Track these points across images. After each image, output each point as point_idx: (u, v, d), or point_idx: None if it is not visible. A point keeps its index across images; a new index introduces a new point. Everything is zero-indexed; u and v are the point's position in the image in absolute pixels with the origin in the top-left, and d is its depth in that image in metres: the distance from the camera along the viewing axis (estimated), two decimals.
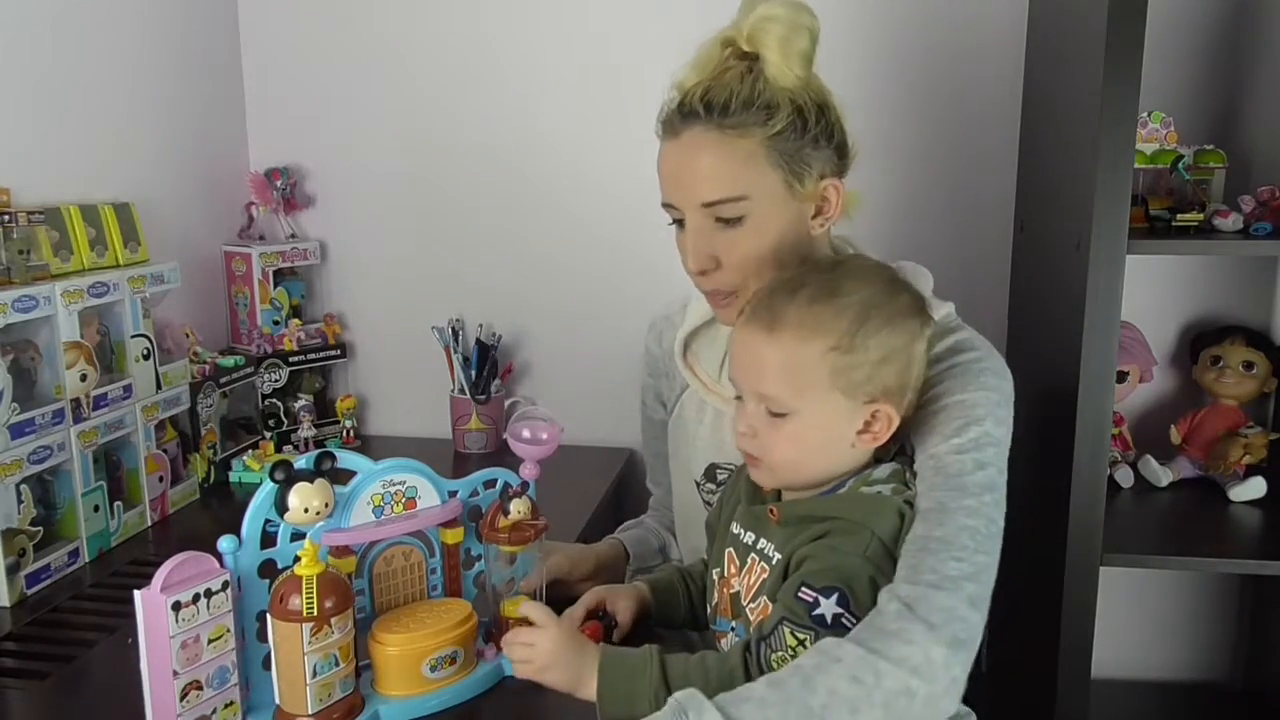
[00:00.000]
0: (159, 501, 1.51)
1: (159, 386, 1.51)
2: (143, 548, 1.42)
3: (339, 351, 1.91)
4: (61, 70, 1.49)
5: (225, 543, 0.87)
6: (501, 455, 1.62)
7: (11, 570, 1.22)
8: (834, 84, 1.03)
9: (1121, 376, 1.64)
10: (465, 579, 1.07)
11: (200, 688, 0.85)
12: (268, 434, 1.79)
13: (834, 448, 0.92)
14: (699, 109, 0.97)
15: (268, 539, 0.91)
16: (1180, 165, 1.47)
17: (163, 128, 1.72)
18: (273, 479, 0.89)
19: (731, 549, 0.99)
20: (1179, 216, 1.42)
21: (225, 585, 0.86)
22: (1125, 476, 1.64)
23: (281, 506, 0.90)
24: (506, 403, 1.81)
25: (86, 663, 1.09)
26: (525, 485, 1.03)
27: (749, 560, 0.95)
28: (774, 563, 0.92)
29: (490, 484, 1.06)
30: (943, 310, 1.02)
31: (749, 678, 0.87)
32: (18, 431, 1.24)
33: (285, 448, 1.80)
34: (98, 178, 1.55)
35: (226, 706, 0.87)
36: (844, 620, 0.85)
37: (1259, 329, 1.69)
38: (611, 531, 1.30)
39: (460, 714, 0.94)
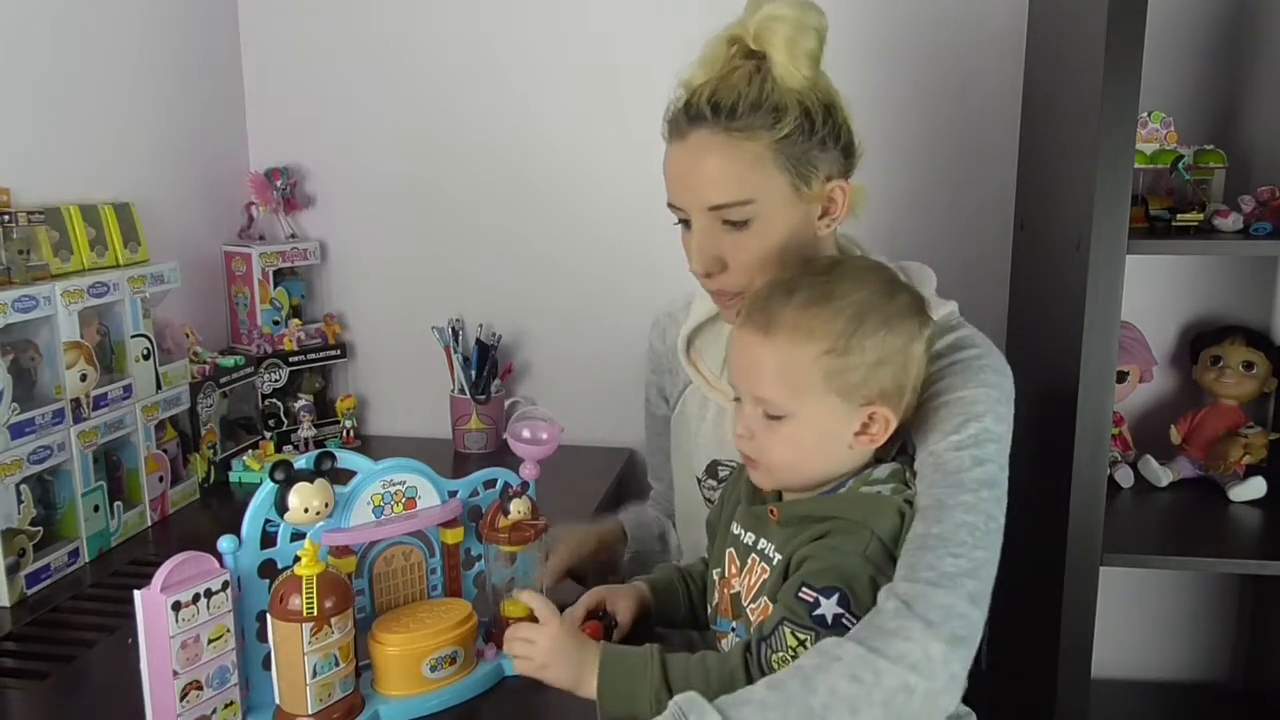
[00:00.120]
0: (159, 501, 1.51)
1: (159, 386, 1.51)
2: (143, 548, 1.42)
3: (339, 351, 1.91)
4: (61, 70, 1.49)
5: (225, 543, 0.87)
6: (501, 455, 1.62)
7: (11, 570, 1.22)
8: (834, 83, 1.02)
9: (1121, 376, 1.64)
10: (465, 579, 1.07)
11: (200, 688, 0.85)
12: (268, 434, 1.79)
13: (831, 450, 0.92)
14: (705, 111, 0.96)
15: (268, 539, 0.91)
16: (1180, 165, 1.47)
17: (163, 128, 1.72)
18: (273, 479, 0.89)
19: (732, 549, 0.99)
20: (1179, 216, 1.42)
21: (225, 585, 0.86)
22: (1125, 476, 1.64)
23: (281, 506, 0.90)
24: (506, 403, 1.81)
25: (86, 663, 1.09)
26: (525, 485, 1.03)
27: (749, 561, 0.95)
28: (774, 563, 0.92)
29: (490, 484, 1.06)
30: (945, 309, 1.02)
31: (749, 678, 0.87)
32: (18, 431, 1.24)
33: (285, 448, 1.80)
34: (98, 178, 1.55)
35: (226, 706, 0.87)
36: (844, 620, 0.85)
37: (1259, 329, 1.69)
38: (621, 567, 1.29)
39: (460, 714, 0.94)
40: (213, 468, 1.65)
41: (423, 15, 1.84)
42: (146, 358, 1.48)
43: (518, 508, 1.00)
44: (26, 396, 1.30)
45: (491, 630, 1.03)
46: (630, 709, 0.87)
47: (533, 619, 0.97)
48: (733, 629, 0.97)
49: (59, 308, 1.31)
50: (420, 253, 1.92)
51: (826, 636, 0.83)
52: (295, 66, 1.90)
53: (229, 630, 0.87)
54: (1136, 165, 1.33)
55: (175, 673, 0.83)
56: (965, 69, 1.73)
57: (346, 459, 0.96)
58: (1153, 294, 1.72)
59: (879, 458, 0.94)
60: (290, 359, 1.83)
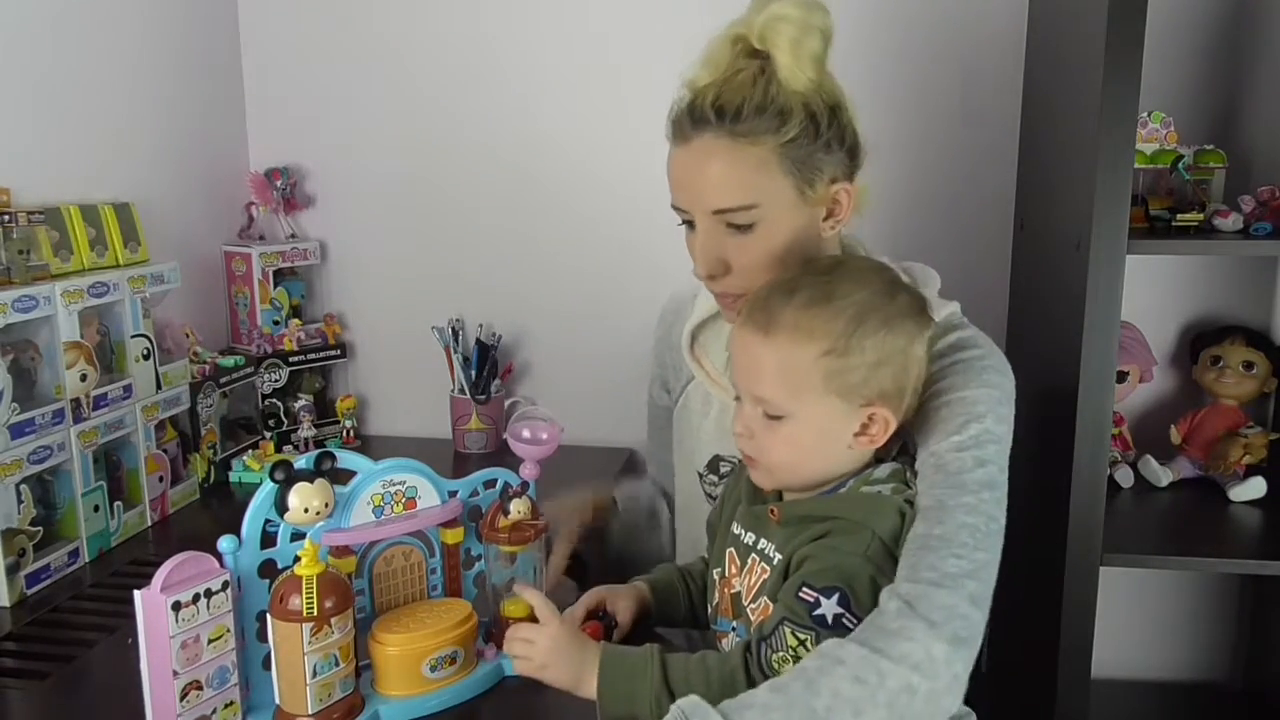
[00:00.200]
0: (159, 501, 1.51)
1: (159, 386, 1.51)
2: (143, 548, 1.42)
3: (339, 351, 1.91)
4: (61, 70, 1.49)
5: (225, 543, 0.87)
6: (501, 455, 1.62)
7: (11, 570, 1.22)
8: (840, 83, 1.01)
9: (1121, 376, 1.64)
10: (465, 579, 1.07)
11: (200, 688, 0.85)
12: (268, 434, 1.79)
13: (831, 450, 0.91)
14: (710, 114, 0.95)
15: (268, 539, 0.91)
16: (1180, 165, 1.47)
17: (163, 128, 1.72)
18: (273, 479, 0.89)
19: (732, 549, 0.99)
20: (1179, 216, 1.42)
21: (225, 585, 0.86)
22: (1125, 476, 1.64)
23: (281, 506, 0.90)
24: (506, 403, 1.81)
25: (86, 663, 1.09)
26: (525, 485, 1.03)
27: (749, 560, 0.95)
28: (774, 563, 0.92)
29: (490, 484, 1.06)
30: (947, 310, 1.02)
31: (750, 678, 0.87)
32: (18, 431, 1.24)
33: (285, 448, 1.80)
34: (98, 178, 1.55)
35: (226, 706, 0.87)
36: (845, 620, 0.85)
37: (1259, 329, 1.69)
38: (609, 535, 1.30)
39: (460, 714, 0.94)
40: (213, 468, 1.65)
41: (423, 15, 1.84)
42: (146, 358, 1.48)
43: (518, 508, 1.00)
44: (26, 396, 1.30)
45: (491, 630, 1.03)
46: (630, 709, 0.87)
47: (533, 619, 0.97)
48: (733, 629, 0.97)
49: (59, 308, 1.31)
50: (420, 253, 1.92)
51: (827, 636, 0.83)
52: (295, 66, 1.90)
53: (229, 630, 0.87)
54: (1136, 165, 1.33)
55: (175, 673, 0.83)
56: (965, 69, 1.73)
57: (346, 459, 0.96)
58: (1153, 294, 1.72)
59: (879, 457, 0.94)
60: (290, 359, 1.83)
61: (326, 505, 0.91)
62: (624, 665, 0.90)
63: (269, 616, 0.87)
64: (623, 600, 1.04)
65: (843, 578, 0.86)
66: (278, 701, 0.89)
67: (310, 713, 0.87)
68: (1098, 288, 1.31)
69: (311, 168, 1.93)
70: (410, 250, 1.93)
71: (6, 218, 1.28)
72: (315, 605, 0.85)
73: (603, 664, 0.90)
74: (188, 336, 1.66)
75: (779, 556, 0.92)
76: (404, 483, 0.99)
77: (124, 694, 0.87)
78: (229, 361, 1.73)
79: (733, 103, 0.95)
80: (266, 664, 0.90)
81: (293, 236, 1.90)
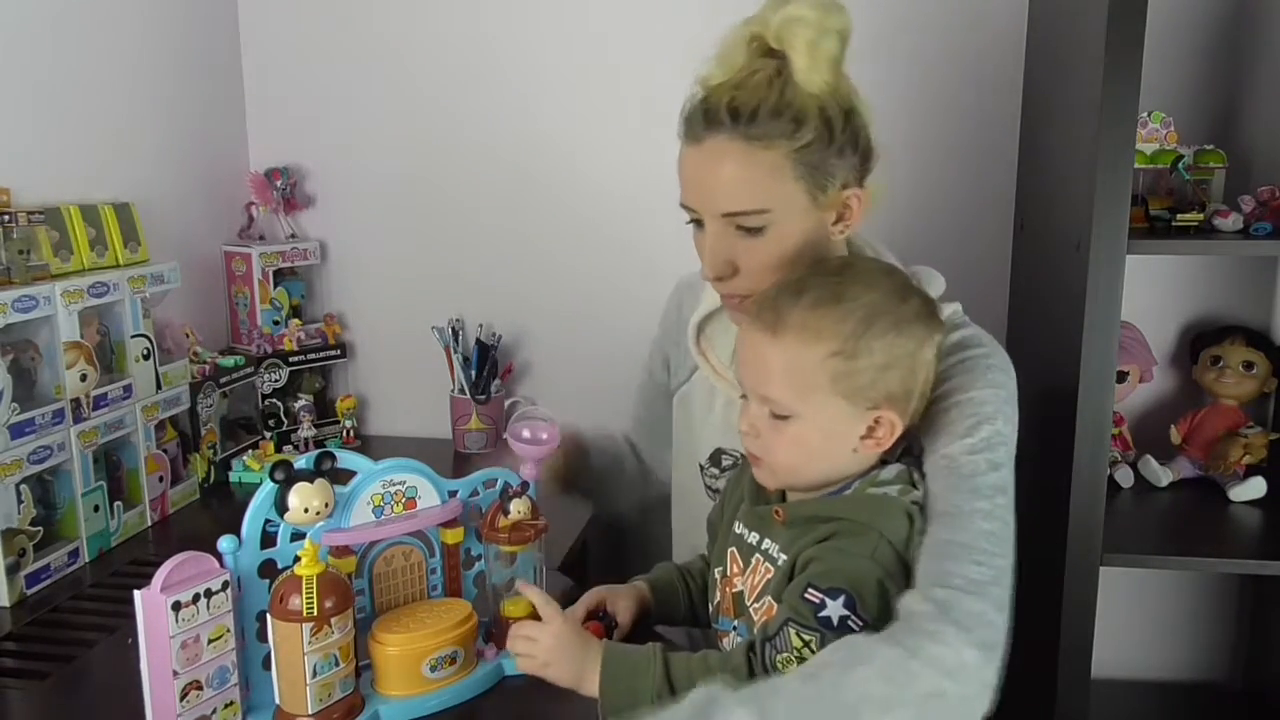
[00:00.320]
0: (159, 501, 1.51)
1: (159, 386, 1.51)
2: (143, 548, 1.42)
3: (339, 351, 1.91)
4: (61, 70, 1.49)
5: (225, 543, 0.87)
6: (501, 455, 1.62)
7: (11, 570, 1.22)
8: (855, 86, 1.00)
9: (1121, 376, 1.64)
10: (465, 579, 1.07)
11: (200, 688, 0.85)
12: (268, 434, 1.79)
13: (836, 452, 0.91)
14: (724, 116, 0.94)
15: (268, 539, 0.91)
16: (1180, 165, 1.47)
17: (163, 128, 1.72)
18: (273, 479, 0.89)
19: (734, 548, 0.99)
20: (1179, 216, 1.42)
21: (225, 585, 0.86)
22: (1125, 476, 1.64)
23: (281, 506, 0.90)
24: (506, 403, 1.81)
25: (86, 663, 1.09)
26: (525, 485, 1.03)
27: (753, 560, 0.95)
28: (779, 563, 0.92)
29: (490, 484, 1.06)
30: (948, 310, 1.02)
31: (752, 678, 0.86)
32: (18, 431, 1.24)
33: (285, 448, 1.80)
34: (98, 178, 1.55)
35: (226, 706, 0.87)
36: (850, 623, 0.85)
37: (1259, 329, 1.69)
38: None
39: (460, 714, 0.94)
40: (213, 468, 1.65)
41: (423, 15, 1.84)
42: (146, 358, 1.48)
43: (518, 508, 1.00)
44: (26, 396, 1.30)
45: (491, 630, 1.03)
46: (632, 707, 0.87)
47: (533, 618, 0.97)
48: (734, 628, 0.97)
49: (59, 308, 1.31)
50: (420, 253, 1.92)
51: (832, 638, 0.83)
52: (295, 66, 1.90)
53: (229, 630, 0.87)
54: (1136, 165, 1.33)
55: (175, 673, 0.83)
56: (965, 69, 1.73)
57: (346, 459, 0.96)
58: (1153, 294, 1.72)
59: (884, 459, 0.94)
60: (290, 359, 1.83)
61: (326, 505, 0.91)
62: (626, 663, 0.90)
63: (269, 616, 0.87)
64: (623, 600, 1.04)
65: (849, 580, 0.86)
66: (278, 701, 0.89)
67: (310, 713, 0.87)
68: (1098, 288, 1.31)
69: (311, 168, 1.93)
70: (410, 250, 1.93)
71: (6, 218, 1.28)
72: (315, 605, 0.85)
73: (605, 662, 0.90)
74: (188, 336, 1.66)
75: (784, 557, 0.91)
76: (404, 483, 0.99)
77: (124, 694, 0.87)
78: (229, 361, 1.73)
79: (748, 105, 0.93)
80: (266, 664, 0.90)
81: (293, 236, 1.90)
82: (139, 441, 1.46)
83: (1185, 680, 1.88)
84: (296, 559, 0.87)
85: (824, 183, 0.96)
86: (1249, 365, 1.64)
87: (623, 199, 1.83)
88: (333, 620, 0.86)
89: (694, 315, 1.16)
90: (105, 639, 1.13)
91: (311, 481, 0.90)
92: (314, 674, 0.86)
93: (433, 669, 0.94)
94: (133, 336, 1.46)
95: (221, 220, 1.88)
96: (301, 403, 1.81)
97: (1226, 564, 1.41)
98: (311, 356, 1.87)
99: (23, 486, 1.26)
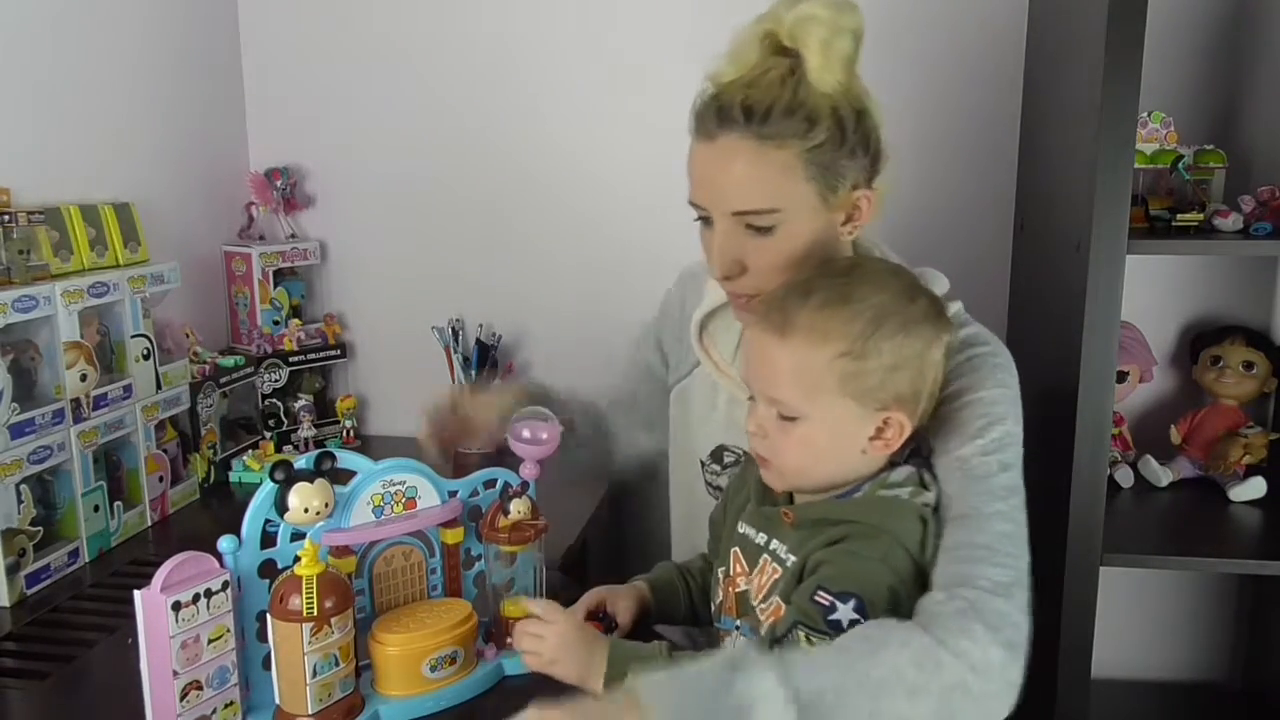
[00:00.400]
0: (159, 501, 1.51)
1: (159, 386, 1.51)
2: (143, 548, 1.42)
3: (339, 351, 1.91)
4: (61, 70, 1.49)
5: (225, 543, 0.87)
6: (501, 455, 1.62)
7: (11, 570, 1.22)
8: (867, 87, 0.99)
9: (1121, 376, 1.64)
10: (465, 579, 1.07)
11: (200, 688, 0.85)
12: (268, 434, 1.79)
13: (845, 454, 0.91)
14: (737, 114, 0.93)
15: (268, 539, 0.91)
16: (1180, 165, 1.47)
17: (163, 128, 1.72)
18: (273, 479, 0.89)
19: (738, 548, 0.98)
20: (1179, 216, 1.42)
21: (225, 585, 0.86)
22: (1125, 476, 1.64)
23: (281, 506, 0.90)
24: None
25: (86, 663, 1.09)
26: (525, 485, 1.03)
27: (761, 561, 0.95)
28: (788, 565, 0.91)
29: (490, 484, 1.06)
30: (951, 310, 1.01)
31: None
32: (18, 431, 1.24)
33: (285, 448, 1.80)
34: (98, 178, 1.55)
35: (226, 706, 0.87)
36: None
37: (1259, 329, 1.69)
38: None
39: (460, 714, 0.94)
40: (213, 468, 1.65)
41: (423, 15, 1.84)
42: (146, 358, 1.48)
43: (518, 508, 1.00)
44: (26, 396, 1.30)
45: (491, 630, 1.03)
46: None
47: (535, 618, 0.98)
48: (736, 627, 0.97)
49: (59, 308, 1.31)
50: (420, 253, 1.92)
51: None
52: (295, 66, 1.90)
53: (229, 630, 0.87)
54: (1136, 165, 1.33)
55: (175, 673, 0.83)
56: (965, 69, 1.73)
57: (346, 459, 0.96)
58: (1153, 294, 1.72)
59: (892, 460, 0.93)
60: (290, 359, 1.83)
61: (326, 505, 0.91)
62: (633, 658, 0.89)
63: (269, 616, 0.87)
64: (623, 601, 1.04)
65: (860, 584, 0.85)
66: (278, 701, 0.89)
67: (310, 713, 0.87)
68: (1098, 288, 1.31)
69: (311, 168, 1.93)
70: (410, 250, 1.93)
71: (6, 218, 1.28)
72: (315, 605, 0.85)
73: (611, 658, 0.90)
74: (188, 336, 1.66)
75: (793, 558, 0.91)
76: (404, 483, 0.99)
77: (124, 694, 0.87)
78: (229, 361, 1.73)
79: (761, 103, 0.93)
80: (266, 664, 0.90)
81: (293, 236, 1.90)
82: (139, 441, 1.46)
83: (1185, 680, 1.88)
84: (296, 559, 0.87)
85: (835, 183, 0.96)
86: (1249, 365, 1.64)
87: (623, 198, 1.83)
88: (333, 620, 0.86)
89: (697, 311, 1.16)
90: (105, 639, 1.13)
91: (311, 481, 0.90)
92: (314, 674, 0.86)
93: (433, 669, 0.94)
94: (133, 336, 1.46)
95: (221, 220, 1.88)
96: (301, 403, 1.81)
97: (1226, 564, 1.41)
98: (311, 356, 1.87)
99: (23, 486, 1.26)
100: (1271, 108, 1.63)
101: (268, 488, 0.90)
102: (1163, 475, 1.63)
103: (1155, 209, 1.44)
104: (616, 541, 1.86)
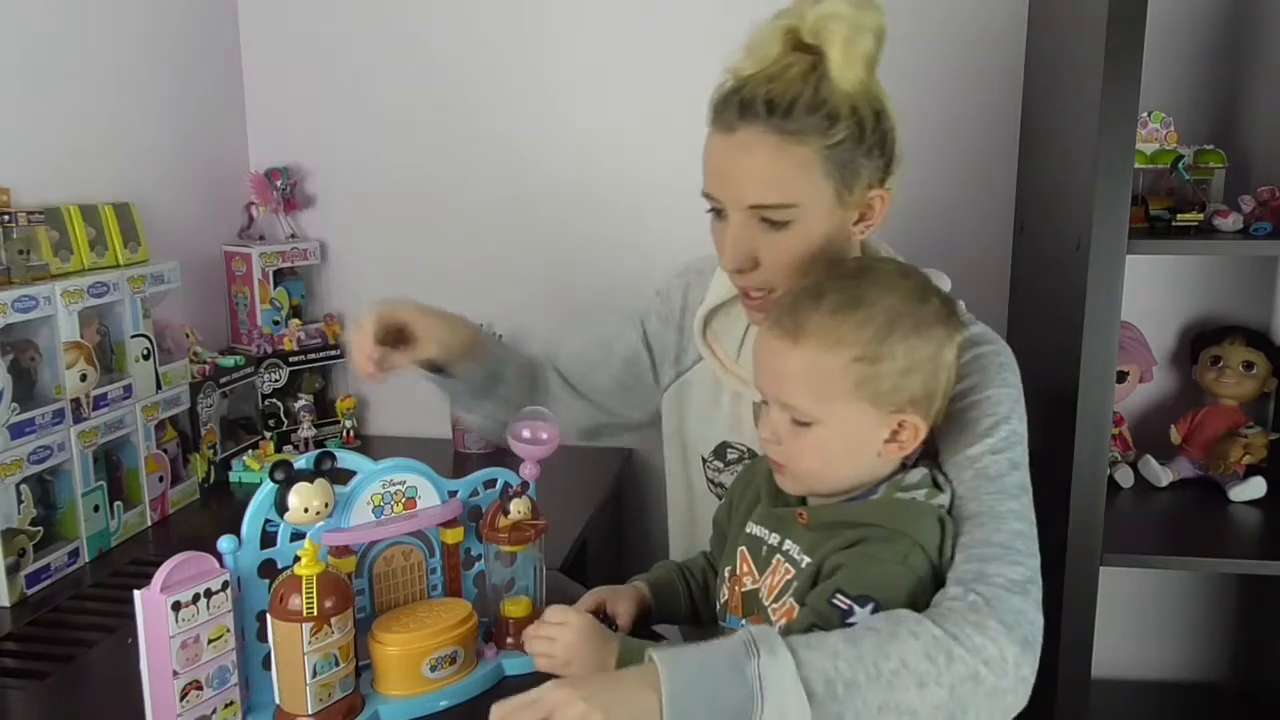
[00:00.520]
0: (159, 501, 1.51)
1: (159, 386, 1.51)
2: (143, 548, 1.42)
3: (339, 351, 1.91)
4: (62, 70, 1.49)
5: (225, 543, 0.87)
6: (501, 455, 1.62)
7: (11, 570, 1.22)
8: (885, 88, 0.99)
9: (1121, 376, 1.64)
10: (465, 579, 1.07)
11: (200, 688, 0.85)
12: (268, 434, 1.79)
13: (860, 457, 0.91)
14: (760, 108, 0.93)
15: (268, 539, 0.91)
16: (1180, 165, 1.47)
17: (163, 128, 1.72)
18: (273, 479, 0.89)
19: (745, 547, 0.98)
20: (1179, 216, 1.42)
21: (225, 585, 0.86)
22: (1125, 476, 1.64)
23: (281, 506, 0.89)
24: None
25: (86, 663, 1.09)
26: (525, 485, 1.03)
27: (773, 561, 0.94)
28: (802, 565, 0.91)
29: (490, 484, 1.06)
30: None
31: None
32: (18, 431, 1.24)
33: (285, 448, 1.80)
34: (98, 178, 1.55)
35: (226, 706, 0.87)
36: None
37: (1259, 329, 1.69)
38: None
39: (460, 714, 0.94)
40: (213, 468, 1.65)
41: (422, 15, 1.84)
42: (146, 358, 1.48)
43: (518, 508, 1.00)
44: (26, 396, 1.30)
45: (491, 630, 1.03)
46: None
47: (532, 618, 0.97)
48: (743, 626, 0.97)
49: (59, 308, 1.31)
50: (420, 253, 1.92)
51: None
52: (295, 66, 1.90)
53: (229, 630, 0.86)
54: (1136, 165, 1.33)
55: (175, 673, 0.83)
56: (965, 69, 1.73)
57: (346, 459, 0.96)
58: (1153, 294, 1.72)
59: (904, 460, 0.93)
60: (290, 359, 1.83)
61: (326, 505, 0.91)
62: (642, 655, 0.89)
63: (269, 616, 0.87)
64: (623, 602, 1.04)
65: (878, 587, 0.85)
66: (278, 701, 0.89)
67: (310, 713, 0.87)
68: (1098, 288, 1.31)
69: (311, 168, 1.93)
70: (410, 250, 1.93)
71: (6, 218, 1.28)
72: (315, 605, 0.85)
73: (620, 656, 0.90)
74: (188, 336, 1.66)
75: (807, 559, 0.91)
76: (404, 483, 0.99)
77: (124, 694, 0.87)
78: (229, 361, 1.73)
79: (784, 97, 0.93)
80: (266, 664, 0.90)
81: (293, 236, 1.90)
82: (139, 441, 1.46)
83: (1185, 680, 1.88)
84: (296, 559, 0.87)
85: (851, 182, 0.96)
86: (1249, 365, 1.64)
87: (623, 198, 1.83)
88: (333, 620, 0.86)
89: (701, 308, 1.15)
90: (105, 639, 1.13)
91: (311, 481, 0.90)
92: (314, 674, 0.86)
93: (433, 669, 0.94)
94: (133, 336, 1.46)
95: (221, 220, 1.88)
96: (301, 403, 1.81)
97: (1226, 564, 1.41)
98: (311, 356, 1.87)
99: (23, 486, 1.26)
100: (1271, 108, 1.63)
101: (268, 488, 0.90)
102: (1163, 475, 1.63)
103: (1155, 209, 1.44)
104: (616, 541, 1.86)
